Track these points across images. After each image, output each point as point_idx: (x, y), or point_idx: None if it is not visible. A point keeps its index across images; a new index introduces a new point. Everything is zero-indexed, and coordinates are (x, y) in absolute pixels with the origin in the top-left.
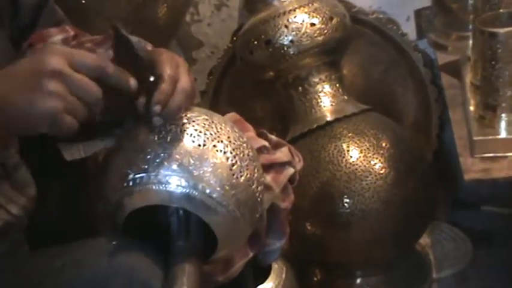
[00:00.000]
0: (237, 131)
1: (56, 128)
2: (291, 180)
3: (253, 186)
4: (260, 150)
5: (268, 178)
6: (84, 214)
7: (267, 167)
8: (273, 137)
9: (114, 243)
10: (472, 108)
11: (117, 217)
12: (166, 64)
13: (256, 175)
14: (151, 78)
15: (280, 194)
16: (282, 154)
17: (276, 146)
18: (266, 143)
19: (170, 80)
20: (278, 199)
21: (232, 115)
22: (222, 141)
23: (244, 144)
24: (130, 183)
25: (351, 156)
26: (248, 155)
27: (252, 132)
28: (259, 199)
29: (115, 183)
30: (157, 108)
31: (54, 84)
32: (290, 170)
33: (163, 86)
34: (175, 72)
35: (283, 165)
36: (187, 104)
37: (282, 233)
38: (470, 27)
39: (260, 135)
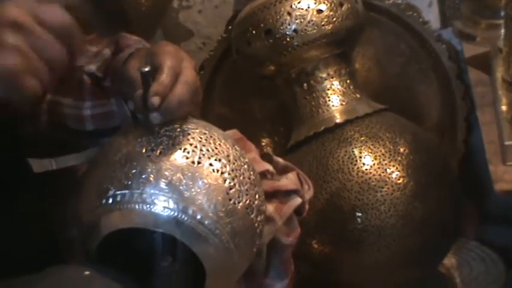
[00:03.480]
0: (238, 149)
1: (14, 92)
2: (297, 211)
3: (252, 215)
4: (263, 175)
5: (271, 208)
6: (52, 236)
7: (270, 195)
8: (280, 160)
9: (86, 273)
10: (504, 108)
11: (92, 240)
12: (168, 55)
13: (256, 202)
14: (147, 68)
15: (284, 227)
16: (289, 181)
17: (282, 171)
18: (270, 167)
19: (171, 71)
20: (281, 233)
21: (233, 132)
22: (220, 160)
23: (246, 166)
24: (110, 201)
25: (364, 164)
26: (249, 178)
27: (254, 154)
28: (258, 230)
29: (92, 200)
30: (155, 99)
31: (14, 38)
32: (297, 200)
33: (162, 76)
34: (177, 64)
35: (288, 193)
36: (190, 103)
37: (284, 273)
38: (503, 13)
39: (264, 157)
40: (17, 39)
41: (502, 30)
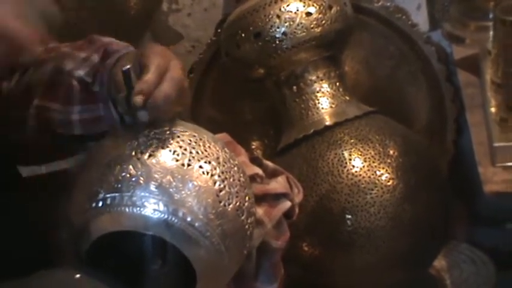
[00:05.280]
0: (228, 151)
1: None
2: (287, 215)
3: (243, 217)
4: (253, 178)
5: (260, 211)
6: (42, 239)
7: (260, 199)
8: (269, 164)
9: (77, 276)
10: (493, 109)
11: (82, 243)
12: (155, 55)
13: (246, 204)
14: (128, 66)
15: (273, 230)
16: (278, 184)
17: (271, 175)
18: (260, 171)
19: (157, 70)
20: (270, 236)
21: (223, 136)
22: (209, 162)
23: (236, 168)
24: (100, 204)
25: (354, 166)
26: (239, 180)
27: (244, 157)
28: (248, 232)
29: (82, 203)
30: (138, 98)
31: None
32: (286, 204)
33: (148, 75)
34: (164, 63)
35: (278, 197)
36: (177, 100)
37: (274, 276)
38: (491, 16)
39: (253, 160)
40: None
41: (491, 32)
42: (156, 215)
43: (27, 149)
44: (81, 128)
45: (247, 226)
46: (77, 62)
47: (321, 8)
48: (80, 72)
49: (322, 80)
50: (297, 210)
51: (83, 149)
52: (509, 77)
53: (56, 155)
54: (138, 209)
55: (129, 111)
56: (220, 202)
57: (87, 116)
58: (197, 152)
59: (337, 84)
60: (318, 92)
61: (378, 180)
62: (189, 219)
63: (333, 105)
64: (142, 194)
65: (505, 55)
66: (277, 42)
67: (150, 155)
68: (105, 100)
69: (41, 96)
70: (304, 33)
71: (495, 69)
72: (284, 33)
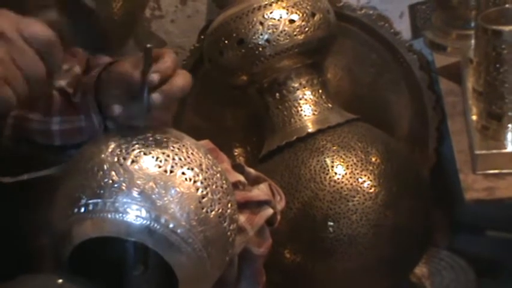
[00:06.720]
0: (210, 158)
1: None
2: (269, 222)
3: (225, 224)
4: (235, 185)
5: (242, 218)
6: (23, 245)
7: (242, 206)
8: (252, 171)
9: (59, 281)
10: (474, 117)
11: (64, 249)
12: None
13: (229, 211)
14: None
15: (256, 237)
16: (260, 191)
17: (254, 182)
18: (242, 178)
19: (173, 62)
20: (253, 244)
21: (205, 142)
22: (192, 169)
23: (218, 175)
24: (82, 210)
25: (336, 173)
26: (222, 187)
27: (226, 164)
28: (230, 239)
29: (64, 209)
30: (155, 75)
31: None
32: (268, 211)
33: (165, 59)
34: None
35: (260, 204)
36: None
37: (256, 283)
38: (473, 24)
39: (236, 167)
40: None
41: (473, 41)
42: (139, 221)
43: (2, 159)
44: (60, 138)
45: (229, 233)
46: (57, 74)
47: (304, 15)
48: (61, 83)
49: (305, 87)
50: (279, 217)
51: (62, 160)
52: (491, 85)
53: (33, 165)
54: (120, 215)
55: (140, 91)
56: (202, 209)
57: (67, 127)
58: (180, 159)
59: (320, 91)
60: (300, 99)
61: (360, 187)
62: (171, 225)
63: (316, 113)
64: (125, 200)
65: (487, 63)
66: (260, 49)
67: (132, 161)
68: (86, 111)
69: (19, 105)
70: (287, 41)
71: (476, 78)
72: (267, 40)
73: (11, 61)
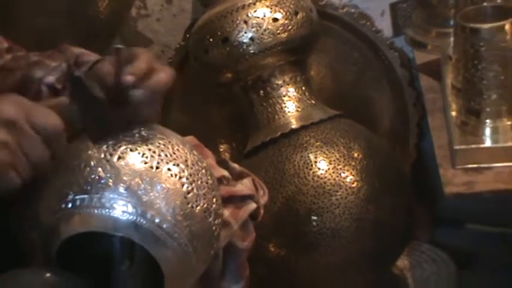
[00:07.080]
0: (196, 154)
1: None
2: (252, 216)
3: (210, 219)
4: (219, 180)
5: (227, 213)
6: (11, 240)
7: (226, 200)
8: (236, 166)
9: (47, 275)
10: (453, 113)
11: (52, 244)
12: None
13: (214, 206)
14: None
15: (240, 231)
16: (244, 186)
17: (238, 177)
18: (226, 173)
19: (147, 60)
20: (237, 237)
21: (190, 139)
22: (178, 165)
23: (203, 170)
24: (69, 206)
25: (319, 168)
26: (207, 182)
27: (211, 160)
28: (215, 233)
29: (51, 205)
30: (128, 77)
31: (5, 135)
32: (252, 205)
33: (140, 59)
34: (152, 60)
35: (244, 198)
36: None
37: (240, 276)
38: (452, 22)
39: (220, 163)
40: (7, 136)
41: (452, 39)
42: (125, 217)
43: None
44: None
45: (214, 227)
46: (47, 70)
47: (287, 14)
48: (50, 79)
49: (288, 84)
50: (262, 211)
51: None
52: (469, 82)
53: None
54: (107, 210)
55: (119, 91)
56: (188, 204)
57: None
58: (166, 155)
59: (303, 88)
60: (284, 96)
61: (343, 182)
62: (157, 220)
63: (299, 109)
64: (111, 195)
65: (465, 61)
66: (245, 47)
67: (119, 158)
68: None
69: None
70: (270, 39)
71: (455, 74)
72: (251, 38)
73: (18, 148)
